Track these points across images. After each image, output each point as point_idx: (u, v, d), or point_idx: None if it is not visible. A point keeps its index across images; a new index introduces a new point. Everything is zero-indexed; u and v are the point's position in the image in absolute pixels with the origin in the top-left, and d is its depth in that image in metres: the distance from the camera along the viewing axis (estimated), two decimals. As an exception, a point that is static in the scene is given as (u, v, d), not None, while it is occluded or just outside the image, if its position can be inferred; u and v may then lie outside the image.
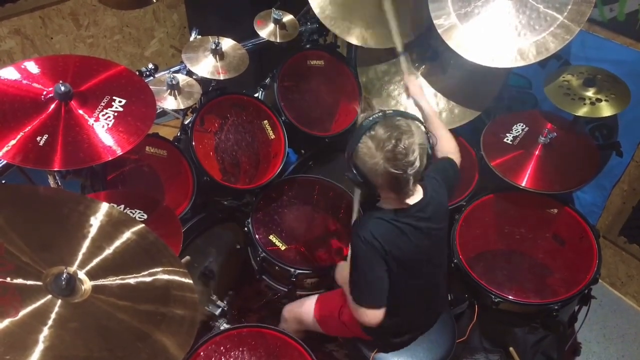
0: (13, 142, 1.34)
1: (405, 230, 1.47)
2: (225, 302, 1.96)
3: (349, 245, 1.54)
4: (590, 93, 2.00)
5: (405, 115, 1.43)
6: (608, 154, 2.30)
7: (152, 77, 2.02)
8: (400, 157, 1.34)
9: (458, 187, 2.15)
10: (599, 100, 1.98)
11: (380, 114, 1.40)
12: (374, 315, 1.48)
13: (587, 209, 2.48)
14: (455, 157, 1.71)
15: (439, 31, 2.03)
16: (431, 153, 1.44)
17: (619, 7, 2.07)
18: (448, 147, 1.72)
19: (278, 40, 2.24)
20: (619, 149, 2.24)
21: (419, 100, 1.90)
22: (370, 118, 1.40)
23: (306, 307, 1.86)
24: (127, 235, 1.19)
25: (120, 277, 1.11)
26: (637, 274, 2.52)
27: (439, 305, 1.77)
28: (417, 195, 1.50)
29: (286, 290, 1.98)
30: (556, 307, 1.83)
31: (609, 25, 2.13)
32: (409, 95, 1.99)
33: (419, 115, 1.78)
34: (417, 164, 1.37)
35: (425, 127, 1.46)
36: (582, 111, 1.96)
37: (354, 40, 2.19)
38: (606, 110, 1.95)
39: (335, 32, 2.20)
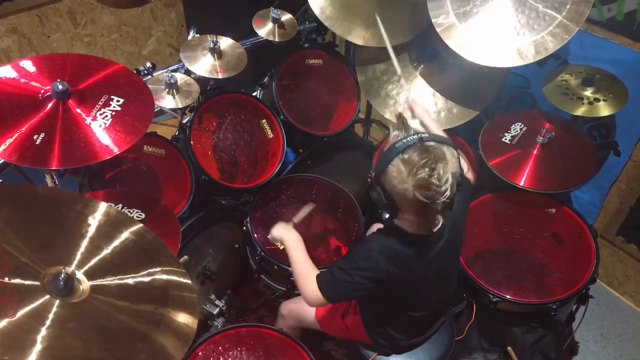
0: (10, 140, 1.33)
1: (423, 257, 1.43)
2: (223, 302, 1.95)
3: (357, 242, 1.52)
4: (588, 93, 2.01)
5: (440, 140, 1.34)
6: (606, 153, 2.31)
7: (149, 76, 2.02)
8: (433, 186, 1.26)
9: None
10: (597, 99, 1.98)
11: (415, 136, 1.31)
12: (320, 301, 1.45)
13: (585, 209, 2.49)
14: (469, 174, 1.65)
15: (438, 30, 2.03)
16: (461, 180, 1.36)
17: (618, 7, 2.07)
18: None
19: (277, 39, 2.23)
20: (617, 148, 2.25)
21: (425, 120, 1.73)
22: (405, 140, 1.31)
23: (306, 307, 1.86)
24: (125, 235, 1.19)
25: (118, 277, 1.11)
26: (634, 273, 2.53)
27: (442, 314, 1.76)
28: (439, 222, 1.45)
29: (284, 289, 1.97)
30: (554, 307, 1.83)
31: (608, 25, 2.13)
32: (414, 117, 1.78)
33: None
34: (448, 193, 1.29)
35: (457, 151, 1.37)
36: (581, 111, 1.97)
37: (356, 39, 2.18)
38: (604, 109, 1.96)
39: (337, 32, 2.20)
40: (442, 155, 1.29)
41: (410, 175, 1.28)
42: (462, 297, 1.99)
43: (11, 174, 1.73)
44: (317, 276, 1.47)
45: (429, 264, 1.45)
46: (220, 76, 2.01)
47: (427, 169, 1.26)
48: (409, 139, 1.31)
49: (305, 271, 1.52)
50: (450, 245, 1.48)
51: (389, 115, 2.29)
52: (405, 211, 1.37)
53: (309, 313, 1.82)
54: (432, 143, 1.30)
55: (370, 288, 1.43)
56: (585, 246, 1.95)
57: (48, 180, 1.75)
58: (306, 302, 1.50)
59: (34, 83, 1.47)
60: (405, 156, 1.29)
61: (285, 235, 1.65)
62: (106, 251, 1.13)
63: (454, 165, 1.31)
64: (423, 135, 1.31)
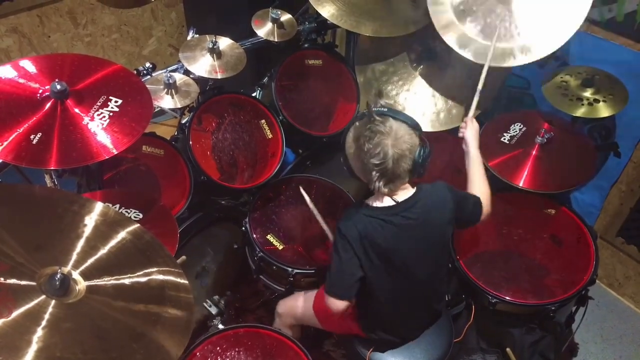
0: (7, 141, 1.33)
1: (388, 226, 1.49)
2: (222, 302, 1.95)
3: None
4: (588, 93, 2.00)
5: (396, 116, 1.46)
6: (606, 154, 2.30)
7: (149, 76, 2.02)
8: (371, 154, 1.42)
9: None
10: (597, 100, 1.97)
11: (374, 109, 1.46)
12: (334, 304, 1.53)
13: (585, 210, 2.48)
14: (485, 206, 1.71)
15: (437, 29, 2.03)
16: (426, 154, 1.48)
17: (618, 8, 2.07)
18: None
19: (276, 40, 2.23)
20: (617, 149, 2.24)
21: (470, 144, 1.81)
22: (363, 111, 1.49)
23: (303, 301, 1.86)
24: (122, 235, 1.19)
25: (115, 277, 1.11)
26: (634, 275, 2.52)
27: (432, 309, 1.77)
28: (406, 193, 1.53)
29: (284, 289, 1.97)
30: (553, 308, 1.82)
31: (608, 25, 2.13)
32: (462, 136, 1.86)
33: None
34: (389, 162, 1.42)
35: (420, 132, 1.49)
36: (580, 112, 1.96)
37: (365, 32, 2.19)
38: (604, 110, 1.95)
39: (346, 27, 2.21)
40: (388, 128, 1.42)
41: (355, 142, 1.49)
42: (461, 298, 1.98)
43: (11, 174, 1.74)
44: (324, 285, 1.58)
45: (401, 235, 1.51)
46: (219, 76, 2.01)
47: (367, 136, 1.42)
48: (367, 111, 1.47)
49: None
50: (425, 223, 1.54)
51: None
52: (362, 176, 1.54)
53: (306, 308, 1.82)
54: (379, 117, 1.43)
55: (359, 265, 1.51)
56: (585, 247, 1.95)
57: (47, 180, 1.75)
58: (331, 311, 1.56)
59: (32, 83, 1.47)
60: (356, 125, 1.50)
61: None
62: (102, 251, 1.14)
63: (402, 138, 1.43)
64: (378, 109, 1.47)
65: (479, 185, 1.75)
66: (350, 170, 1.57)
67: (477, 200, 1.69)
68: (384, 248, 1.50)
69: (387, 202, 1.52)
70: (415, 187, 1.55)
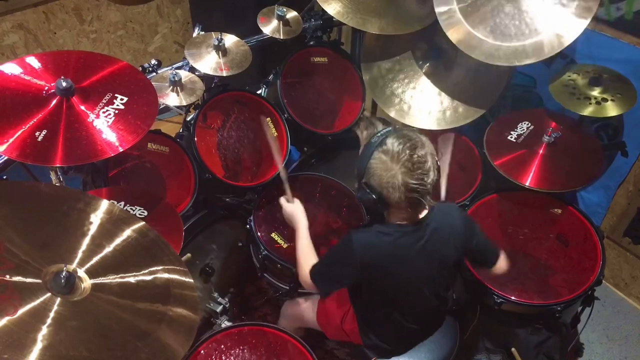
0: (12, 138, 1.33)
1: (402, 248, 1.45)
2: (226, 300, 1.95)
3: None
4: (595, 92, 1.98)
5: (410, 128, 1.44)
6: (613, 154, 2.28)
7: (154, 73, 2.01)
8: (418, 166, 1.32)
9: (462, 190, 2.13)
10: (605, 99, 1.96)
11: (387, 129, 1.39)
12: (311, 287, 1.56)
13: (592, 210, 2.46)
14: (501, 259, 1.68)
15: (443, 28, 2.02)
16: (439, 166, 1.43)
17: (626, 6, 2.04)
18: None
19: (282, 37, 2.22)
20: (625, 149, 2.22)
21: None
22: (379, 134, 1.38)
23: (307, 308, 1.86)
24: (127, 233, 1.19)
25: (120, 275, 1.11)
26: (641, 275, 2.51)
27: (436, 319, 1.76)
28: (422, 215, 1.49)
29: (287, 288, 1.97)
30: (559, 309, 1.81)
31: (616, 24, 2.11)
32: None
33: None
34: (432, 174, 1.35)
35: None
36: (588, 111, 1.94)
37: (372, 29, 2.17)
38: (612, 110, 1.93)
39: (352, 25, 2.18)
40: (418, 138, 1.37)
41: (394, 161, 1.33)
42: (467, 297, 1.98)
43: (16, 171, 1.74)
44: (312, 266, 1.55)
45: (412, 258, 1.46)
46: (224, 74, 2.00)
47: (408, 151, 1.32)
48: (382, 132, 1.38)
49: (306, 257, 1.60)
50: (436, 246, 1.48)
51: (394, 114, 2.28)
52: (395, 203, 1.38)
53: (311, 315, 1.82)
54: (405, 131, 1.38)
55: (351, 276, 1.49)
56: (591, 247, 1.94)
57: (53, 177, 1.75)
58: (302, 283, 1.59)
59: (38, 80, 1.47)
60: (384, 147, 1.35)
61: (299, 220, 1.70)
62: (108, 249, 1.13)
63: (429, 146, 1.38)
64: (395, 127, 1.40)
65: None
66: (373, 200, 1.39)
67: (495, 249, 1.66)
68: (394, 267, 1.47)
69: (407, 220, 1.45)
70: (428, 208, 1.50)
